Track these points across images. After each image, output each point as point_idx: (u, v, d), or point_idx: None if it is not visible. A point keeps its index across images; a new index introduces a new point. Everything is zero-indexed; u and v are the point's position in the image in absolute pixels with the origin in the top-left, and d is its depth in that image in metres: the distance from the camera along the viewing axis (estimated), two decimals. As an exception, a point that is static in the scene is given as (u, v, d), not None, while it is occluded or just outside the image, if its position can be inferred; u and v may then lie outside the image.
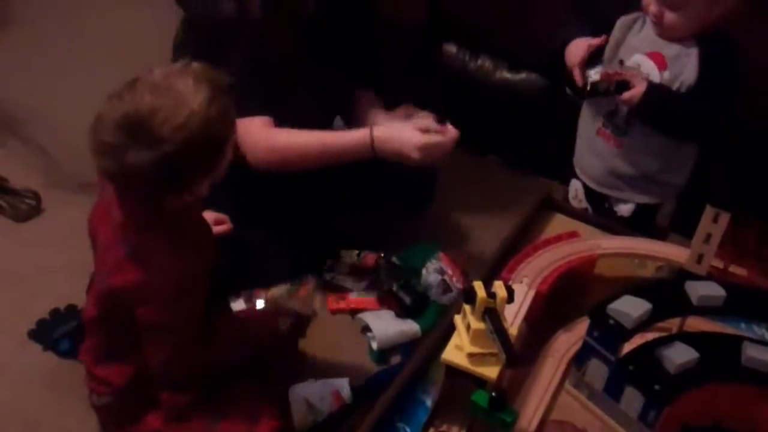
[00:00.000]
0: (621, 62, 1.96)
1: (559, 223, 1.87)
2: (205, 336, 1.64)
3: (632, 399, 1.41)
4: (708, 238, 1.61)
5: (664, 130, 1.95)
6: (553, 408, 1.49)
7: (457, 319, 1.37)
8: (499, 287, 1.32)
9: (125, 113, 1.41)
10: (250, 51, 1.96)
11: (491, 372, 1.31)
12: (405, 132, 1.92)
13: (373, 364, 2.05)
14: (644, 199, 2.06)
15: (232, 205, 1.99)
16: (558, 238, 1.72)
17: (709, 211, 1.59)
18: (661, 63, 1.92)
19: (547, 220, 1.88)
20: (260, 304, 1.81)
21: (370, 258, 2.22)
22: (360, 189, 2.19)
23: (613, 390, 1.44)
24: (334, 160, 1.98)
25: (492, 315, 1.30)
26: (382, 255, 2.21)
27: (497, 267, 1.67)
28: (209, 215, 1.95)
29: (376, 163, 2.02)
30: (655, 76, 1.92)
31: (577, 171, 2.16)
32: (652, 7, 1.86)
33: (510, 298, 1.32)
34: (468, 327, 1.33)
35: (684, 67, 1.90)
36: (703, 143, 1.99)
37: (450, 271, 2.18)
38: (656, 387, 1.38)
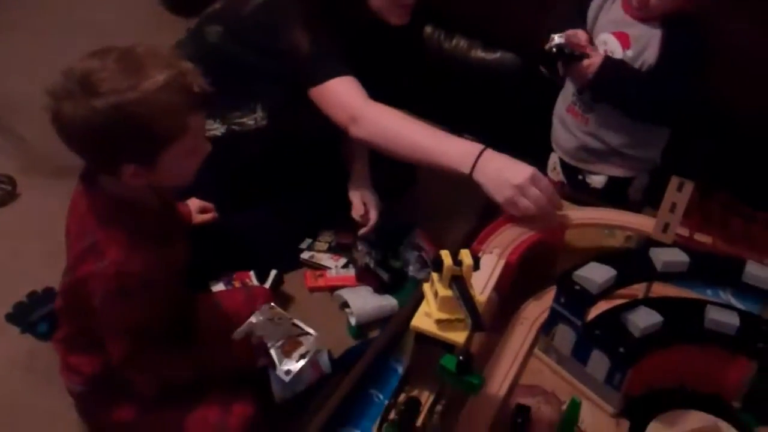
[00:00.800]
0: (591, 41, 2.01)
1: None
2: (173, 346, 1.65)
3: (599, 362, 1.45)
4: (673, 207, 1.64)
5: (620, 106, 2.00)
6: (523, 373, 1.52)
7: (426, 287, 1.41)
8: (465, 255, 1.35)
9: (84, 66, 1.42)
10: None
11: (459, 337, 1.35)
12: (519, 166, 1.73)
13: (352, 339, 2.09)
14: (615, 172, 2.11)
15: (215, 189, 2.02)
16: (528, 210, 1.76)
17: (674, 181, 1.63)
18: (625, 42, 1.96)
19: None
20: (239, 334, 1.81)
21: (347, 235, 2.26)
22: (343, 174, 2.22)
23: (580, 354, 1.48)
24: (424, 159, 1.88)
25: (459, 282, 1.34)
26: (361, 233, 2.24)
27: (470, 239, 1.70)
28: (194, 203, 1.97)
29: None
30: (619, 54, 1.96)
31: (553, 145, 2.21)
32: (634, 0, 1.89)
33: (476, 266, 1.35)
34: (436, 294, 1.37)
35: (647, 47, 1.93)
36: (662, 124, 2.02)
37: (427, 247, 2.21)
38: (621, 350, 1.42)
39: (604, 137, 2.05)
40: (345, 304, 2.13)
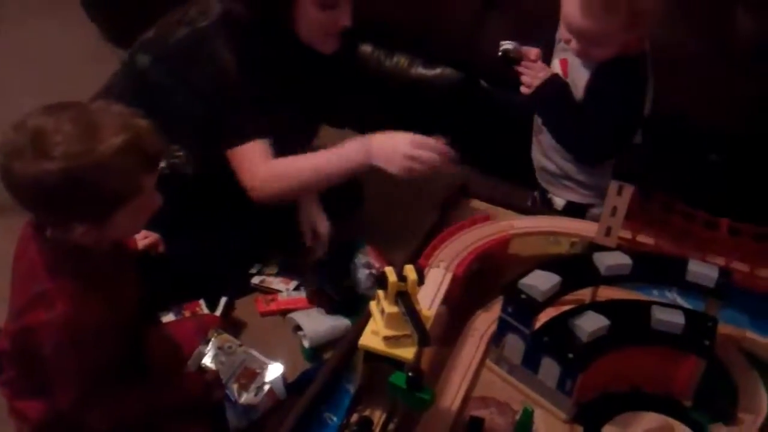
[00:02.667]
0: None
1: (474, 208, 1.92)
2: (125, 382, 1.62)
3: (549, 369, 1.46)
4: (614, 211, 1.66)
5: (549, 129, 2.00)
6: (475, 385, 1.52)
7: (372, 305, 1.41)
8: (409, 271, 1.35)
9: (37, 124, 1.40)
10: (241, 53, 1.96)
11: (407, 353, 1.34)
12: (399, 137, 1.95)
13: (306, 362, 2.08)
14: (572, 197, 2.09)
15: (162, 218, 2.01)
16: (473, 221, 1.77)
17: (613, 185, 1.64)
18: (564, 70, 1.97)
19: (463, 207, 1.92)
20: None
21: (298, 258, 2.25)
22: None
23: (530, 362, 1.49)
24: (331, 173, 1.99)
25: (404, 298, 1.34)
26: (310, 254, 2.24)
27: (416, 254, 1.71)
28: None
29: None
30: None
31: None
32: (573, 44, 1.87)
33: (420, 280, 1.35)
34: (382, 311, 1.37)
35: (578, 80, 1.94)
36: (581, 159, 2.02)
37: (378, 264, 2.21)
38: (570, 356, 1.43)
39: (555, 160, 2.06)
40: (298, 327, 2.12)
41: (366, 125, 2.63)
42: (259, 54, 1.96)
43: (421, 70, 2.64)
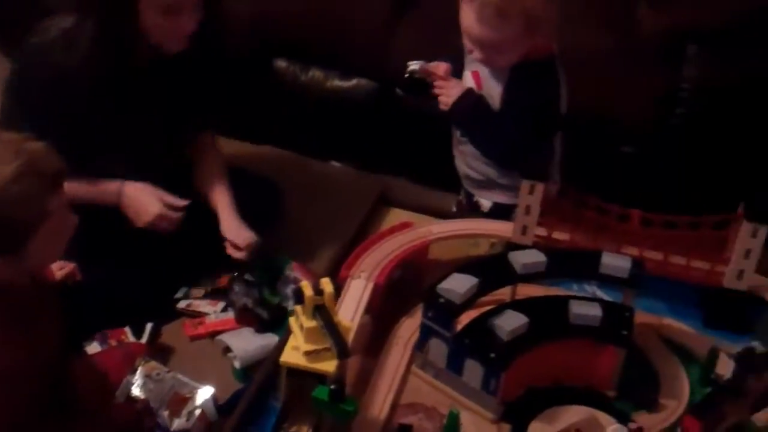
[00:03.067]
0: None
1: (396, 216, 1.93)
2: (50, 421, 1.58)
3: (473, 370, 1.47)
4: (528, 209, 1.69)
5: (471, 141, 2.01)
6: (403, 391, 1.54)
7: (292, 320, 1.41)
8: (325, 284, 1.36)
9: None
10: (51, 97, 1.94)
11: (328, 366, 1.35)
12: (150, 198, 2.04)
13: (239, 383, 2.06)
14: (499, 199, 2.10)
15: (76, 245, 1.98)
16: (391, 230, 1.78)
17: (524, 185, 1.67)
18: (478, 84, 1.97)
19: (384, 215, 1.94)
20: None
21: (223, 279, 2.23)
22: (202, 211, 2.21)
23: (454, 365, 1.50)
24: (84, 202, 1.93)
25: (322, 311, 1.34)
26: (236, 274, 2.22)
27: (337, 265, 1.71)
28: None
29: None
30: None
31: None
32: (476, 54, 1.88)
33: (337, 293, 1.36)
34: (301, 327, 1.37)
35: (493, 90, 1.95)
36: (504, 166, 2.02)
37: (304, 279, 2.20)
38: (492, 355, 1.45)
39: (477, 168, 2.06)
40: (227, 349, 2.09)
41: (286, 140, 2.66)
42: (88, 66, 1.94)
43: (337, 83, 2.65)
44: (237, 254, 2.16)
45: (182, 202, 2.06)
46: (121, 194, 2.04)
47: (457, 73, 2.00)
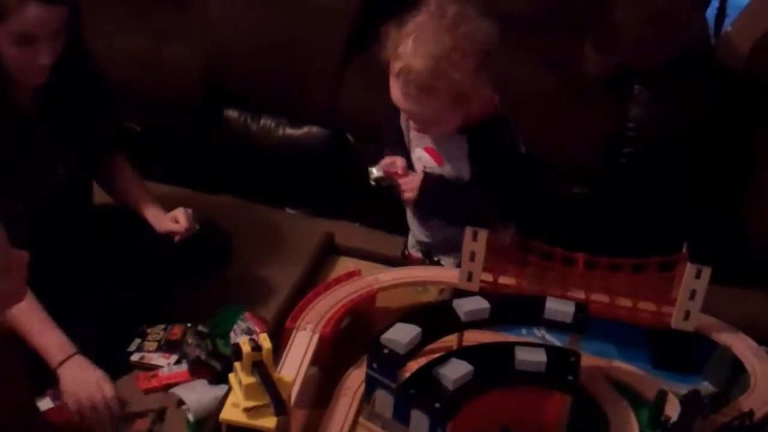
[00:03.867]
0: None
1: (344, 265, 1.92)
2: None
3: (419, 421, 1.45)
4: (473, 255, 1.69)
5: (444, 219, 2.02)
6: (351, 444, 1.52)
7: (231, 377, 1.40)
8: (263, 339, 1.36)
9: None
10: None
11: (269, 422, 1.33)
12: (91, 385, 1.98)
13: (194, 435, 2.04)
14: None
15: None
16: (337, 280, 1.77)
17: (468, 231, 1.67)
18: (437, 158, 1.98)
19: (332, 263, 1.93)
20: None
21: (177, 330, 2.22)
22: (152, 259, 2.20)
23: (401, 415, 1.48)
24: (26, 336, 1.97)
25: (260, 367, 1.33)
26: (189, 325, 2.21)
27: (283, 317, 1.70)
28: None
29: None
30: (436, 170, 1.98)
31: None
32: (412, 123, 1.91)
33: (275, 346, 1.35)
34: (240, 383, 1.36)
35: (459, 161, 1.95)
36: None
37: (258, 329, 2.19)
38: (437, 405, 1.43)
39: (448, 236, 2.04)
40: (181, 401, 2.08)
41: (238, 188, 2.67)
42: None
43: (288, 131, 2.67)
44: (179, 226, 2.16)
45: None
46: (69, 359, 1.98)
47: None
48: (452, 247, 2.04)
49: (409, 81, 1.78)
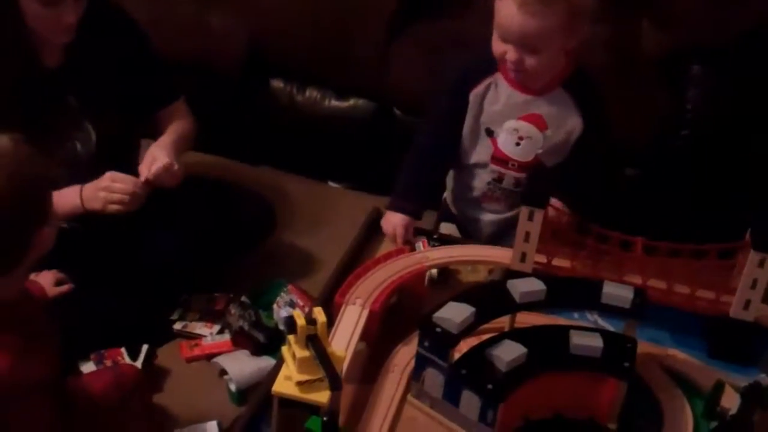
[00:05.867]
0: (489, 131, 1.96)
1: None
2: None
3: (470, 401, 1.43)
4: (527, 236, 1.65)
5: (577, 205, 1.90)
6: (398, 422, 1.50)
7: (284, 350, 1.38)
8: (318, 313, 1.34)
9: None
10: None
11: (321, 397, 1.32)
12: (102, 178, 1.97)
13: (236, 406, 2.03)
14: None
15: (68, 265, 1.96)
16: (387, 256, 1.75)
17: (524, 211, 1.64)
18: (540, 123, 1.92)
19: (380, 239, 1.90)
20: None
21: (220, 301, 2.20)
22: (197, 226, 2.18)
23: (451, 395, 1.46)
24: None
25: (314, 341, 1.31)
26: (232, 296, 2.19)
27: (332, 291, 1.68)
28: (46, 276, 1.90)
29: (207, 196, 2.09)
30: (538, 137, 1.92)
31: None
32: (510, 54, 1.82)
33: (330, 322, 1.33)
34: (294, 356, 1.34)
35: (566, 119, 1.91)
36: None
37: (301, 302, 2.17)
38: (489, 387, 1.41)
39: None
40: (224, 371, 2.07)
41: (282, 161, 2.64)
42: None
43: (334, 103, 2.64)
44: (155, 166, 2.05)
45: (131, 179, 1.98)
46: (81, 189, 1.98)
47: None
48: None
49: None
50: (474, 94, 1.94)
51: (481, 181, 2.02)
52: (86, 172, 2.02)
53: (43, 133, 1.96)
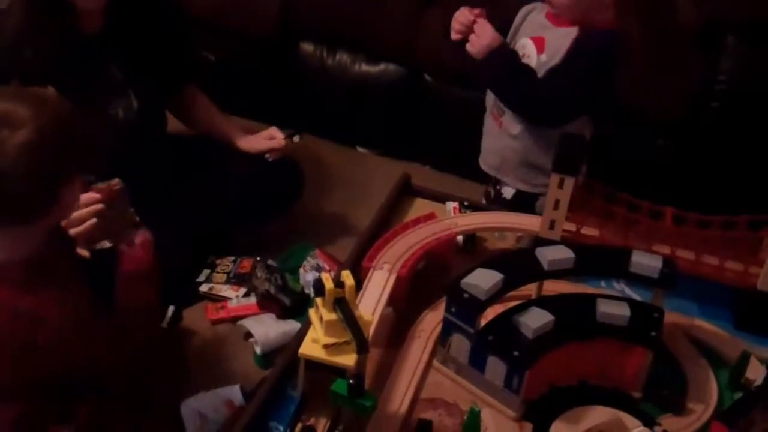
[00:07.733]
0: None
1: (420, 207, 1.90)
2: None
3: (495, 367, 1.44)
4: (557, 204, 1.65)
5: (496, 92, 2.01)
6: (423, 386, 1.50)
7: (311, 312, 1.38)
8: (346, 276, 1.34)
9: None
10: None
11: (348, 360, 1.33)
12: None
13: (260, 368, 2.05)
14: (521, 186, 2.08)
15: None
16: (416, 222, 1.75)
17: (554, 178, 1.63)
18: (540, 46, 1.96)
19: (408, 205, 1.90)
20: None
21: (246, 263, 2.22)
22: (222, 187, 2.20)
23: (477, 361, 1.47)
24: None
25: (342, 304, 1.32)
26: (258, 259, 2.21)
27: (360, 256, 1.68)
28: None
29: (236, 160, 2.12)
30: (534, 58, 1.96)
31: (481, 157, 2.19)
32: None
33: (359, 285, 1.34)
34: (321, 319, 1.34)
35: (558, 50, 1.94)
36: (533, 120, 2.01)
37: (327, 267, 2.18)
38: (515, 353, 1.41)
39: (513, 143, 2.04)
40: (249, 334, 2.08)
41: (310, 124, 2.64)
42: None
43: (364, 67, 2.62)
44: (276, 142, 2.23)
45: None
46: None
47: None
48: (513, 166, 2.07)
49: None
50: (523, 10, 2.03)
51: (491, 96, 2.08)
52: (124, 140, 2.04)
53: (86, 100, 1.98)
